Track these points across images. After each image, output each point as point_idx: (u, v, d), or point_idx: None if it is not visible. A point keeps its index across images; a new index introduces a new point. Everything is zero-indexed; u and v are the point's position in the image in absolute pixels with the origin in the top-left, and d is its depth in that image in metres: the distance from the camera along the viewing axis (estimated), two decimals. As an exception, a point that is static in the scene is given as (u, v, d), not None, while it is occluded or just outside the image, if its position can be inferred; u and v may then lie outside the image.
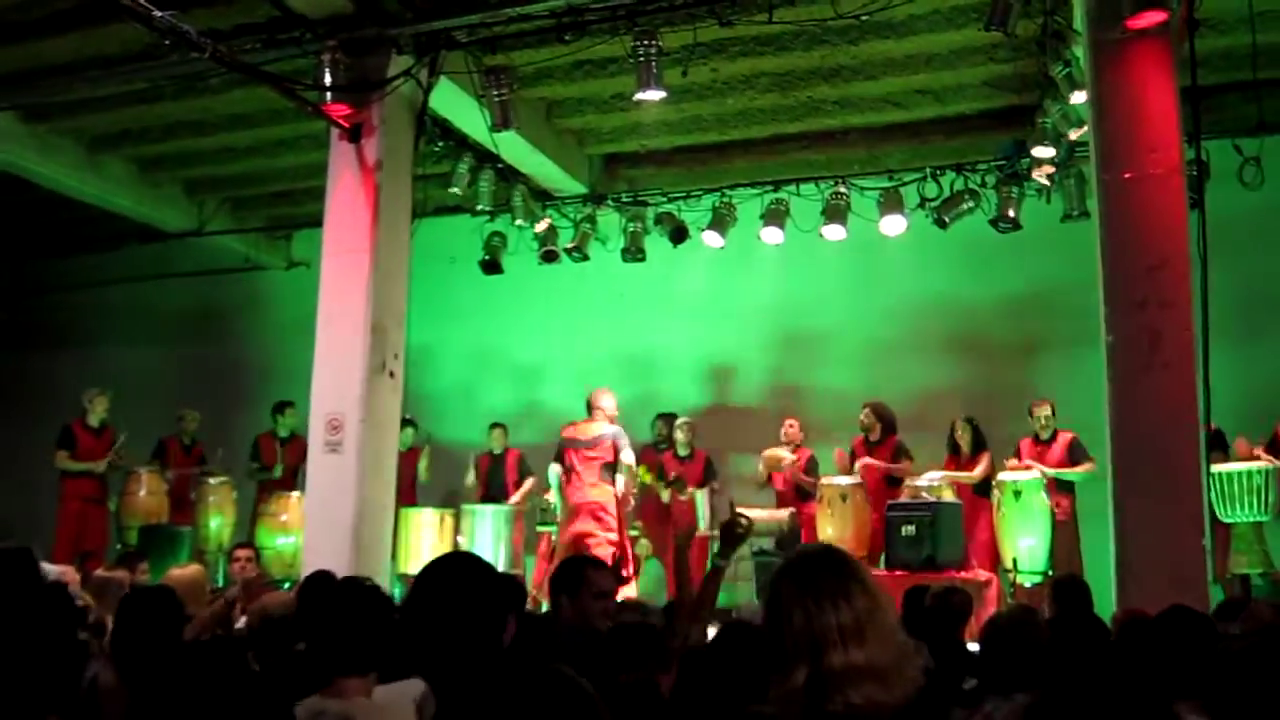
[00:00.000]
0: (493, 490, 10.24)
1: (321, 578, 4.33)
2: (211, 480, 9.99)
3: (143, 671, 3.18)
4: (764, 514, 9.13)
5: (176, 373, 12.21)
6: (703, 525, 9.76)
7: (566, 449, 8.66)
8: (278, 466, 10.13)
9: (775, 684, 1.90)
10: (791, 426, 9.56)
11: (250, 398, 11.50)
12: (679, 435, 9.92)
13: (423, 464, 10.33)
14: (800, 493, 9.34)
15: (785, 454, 9.33)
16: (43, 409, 11.50)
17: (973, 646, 5.63)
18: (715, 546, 8.74)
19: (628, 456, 8.53)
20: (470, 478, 10.33)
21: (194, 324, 12.68)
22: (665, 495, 9.65)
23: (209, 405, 10.80)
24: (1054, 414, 8.57)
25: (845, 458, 9.17)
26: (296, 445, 9.67)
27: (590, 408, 8.73)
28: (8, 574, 3.36)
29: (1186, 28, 6.44)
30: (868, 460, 8.95)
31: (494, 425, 10.49)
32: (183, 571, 5.52)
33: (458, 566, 2.50)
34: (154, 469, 10.03)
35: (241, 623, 5.34)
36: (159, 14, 6.24)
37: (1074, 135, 7.93)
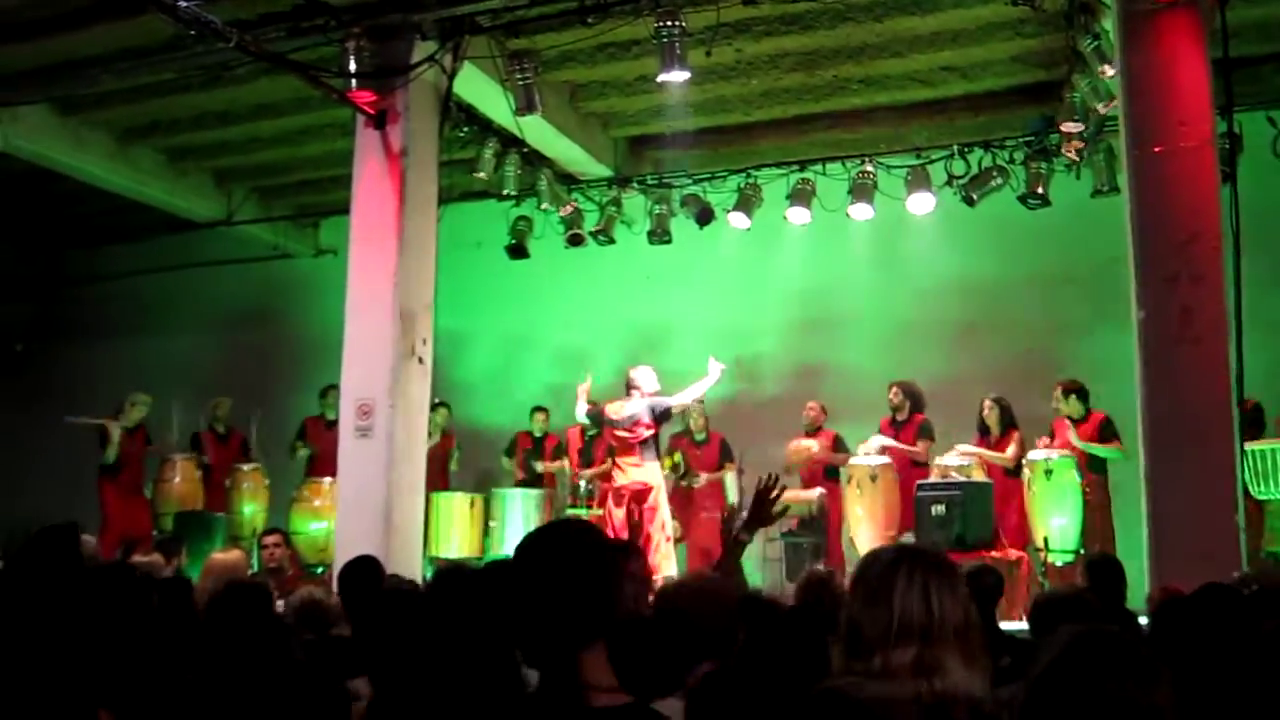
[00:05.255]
0: (529, 471, 10.30)
1: (365, 562, 4.35)
2: (245, 467, 10.08)
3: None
4: (793, 495, 9.13)
5: (208, 361, 12.32)
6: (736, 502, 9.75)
7: (606, 429, 8.75)
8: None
9: (855, 660, 2.00)
10: (811, 409, 9.51)
11: (281, 385, 11.59)
12: (692, 422, 9.92)
13: (453, 461, 10.40)
14: (827, 473, 9.32)
15: (809, 443, 9.30)
16: (76, 399, 11.65)
17: (1004, 625, 5.62)
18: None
19: (677, 401, 8.67)
20: (509, 462, 10.41)
21: (224, 313, 12.79)
22: (685, 481, 9.68)
23: (240, 393, 10.88)
24: (1074, 396, 8.43)
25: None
26: None
27: (628, 387, 8.75)
28: (49, 553, 3.38)
29: (1218, -2, 6.36)
30: (887, 443, 8.90)
31: (536, 409, 10.53)
32: (224, 556, 5.58)
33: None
34: (189, 456, 10.13)
35: (279, 607, 5.40)
36: (185, 4, 6.30)
37: (1103, 109, 7.85)
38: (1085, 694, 1.71)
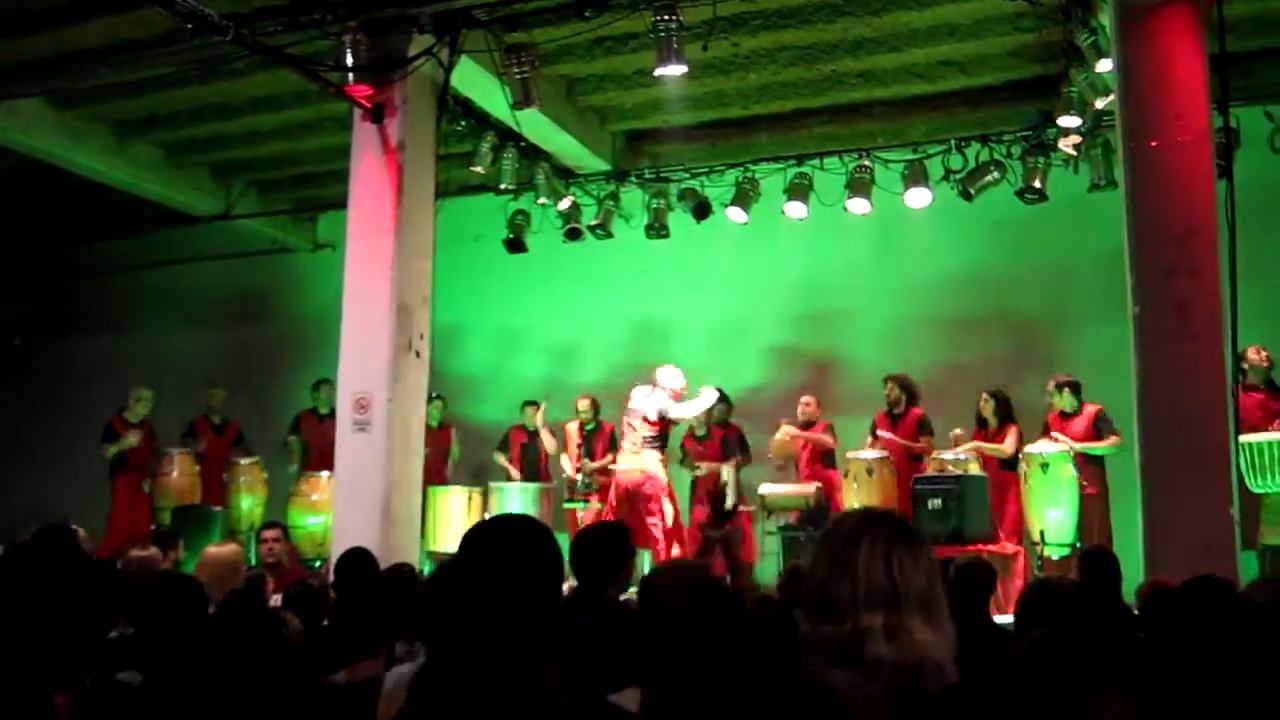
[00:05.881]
0: (527, 468, 10.30)
1: (357, 554, 4.37)
2: (242, 461, 10.10)
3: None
4: (791, 488, 9.15)
5: (207, 355, 12.33)
6: (729, 502, 9.76)
7: (622, 419, 8.86)
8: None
9: (824, 623, 2.01)
10: (808, 405, 9.53)
11: (279, 379, 11.62)
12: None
13: (454, 450, 10.41)
14: (827, 460, 9.35)
15: (788, 430, 9.30)
16: (75, 394, 11.68)
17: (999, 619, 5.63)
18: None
19: (685, 411, 8.65)
20: (501, 457, 10.42)
21: (223, 307, 12.80)
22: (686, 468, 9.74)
23: (239, 387, 10.91)
24: (1067, 390, 8.44)
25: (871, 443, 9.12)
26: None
27: (653, 383, 8.86)
28: (43, 550, 3.40)
29: (1214, -8, 6.35)
30: (887, 435, 8.93)
31: (527, 403, 10.54)
32: (220, 550, 5.58)
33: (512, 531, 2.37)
34: (187, 451, 10.15)
35: (275, 600, 5.42)
36: (181, -2, 6.29)
37: (1100, 104, 7.84)
38: (1032, 700, 1.71)
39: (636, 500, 8.45)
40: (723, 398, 9.64)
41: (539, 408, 10.48)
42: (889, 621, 1.95)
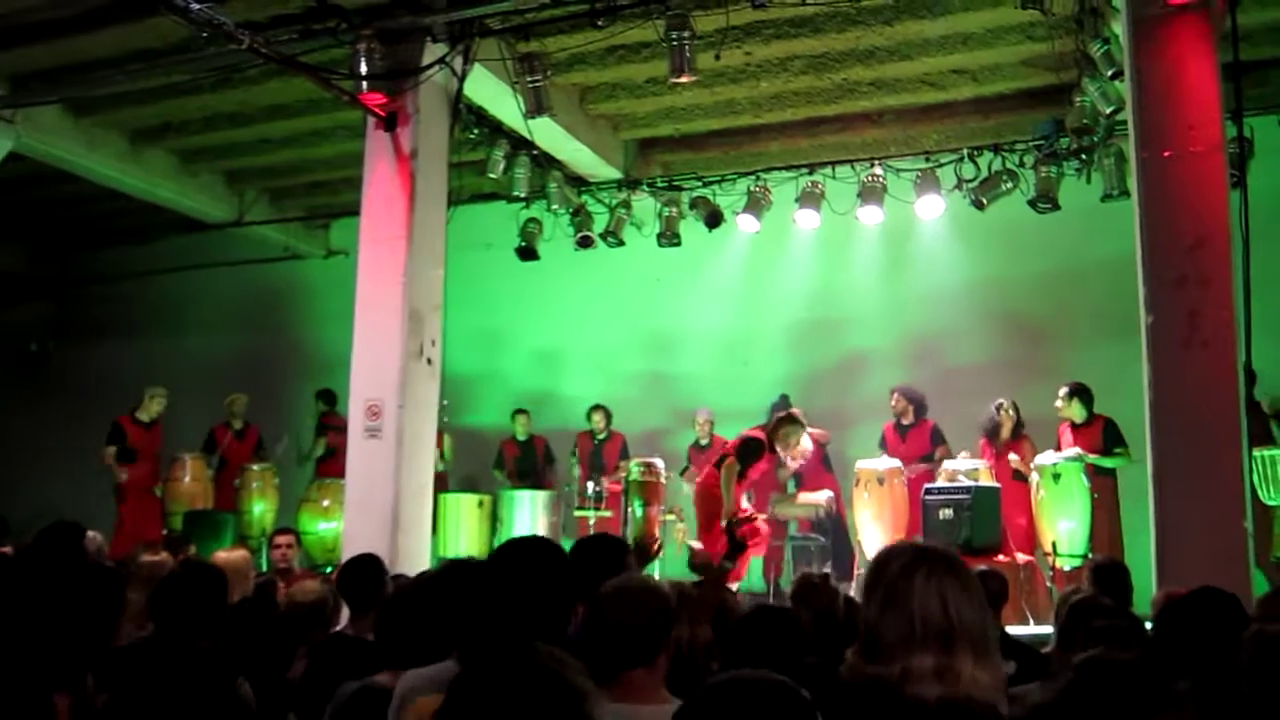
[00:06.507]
0: (524, 476, 10.29)
1: (366, 561, 4.35)
2: (255, 466, 10.13)
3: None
4: (802, 498, 9.13)
5: (219, 361, 12.38)
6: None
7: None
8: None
9: (873, 665, 1.99)
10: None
11: (291, 386, 11.65)
12: (698, 429, 9.94)
13: (447, 449, 10.39)
14: (826, 464, 9.31)
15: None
16: (89, 398, 11.72)
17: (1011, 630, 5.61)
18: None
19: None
20: (500, 474, 10.43)
21: (235, 313, 12.85)
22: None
23: (251, 393, 10.93)
24: (1076, 399, 8.39)
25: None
26: None
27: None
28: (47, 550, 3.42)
29: (1228, 2, 6.33)
30: (906, 471, 8.78)
31: (517, 411, 10.54)
32: (228, 554, 5.59)
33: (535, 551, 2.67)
34: (198, 455, 10.18)
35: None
36: (196, 6, 6.34)
37: (1113, 113, 7.82)
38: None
39: (699, 504, 8.22)
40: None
41: (528, 415, 10.49)
42: (940, 663, 1.91)
